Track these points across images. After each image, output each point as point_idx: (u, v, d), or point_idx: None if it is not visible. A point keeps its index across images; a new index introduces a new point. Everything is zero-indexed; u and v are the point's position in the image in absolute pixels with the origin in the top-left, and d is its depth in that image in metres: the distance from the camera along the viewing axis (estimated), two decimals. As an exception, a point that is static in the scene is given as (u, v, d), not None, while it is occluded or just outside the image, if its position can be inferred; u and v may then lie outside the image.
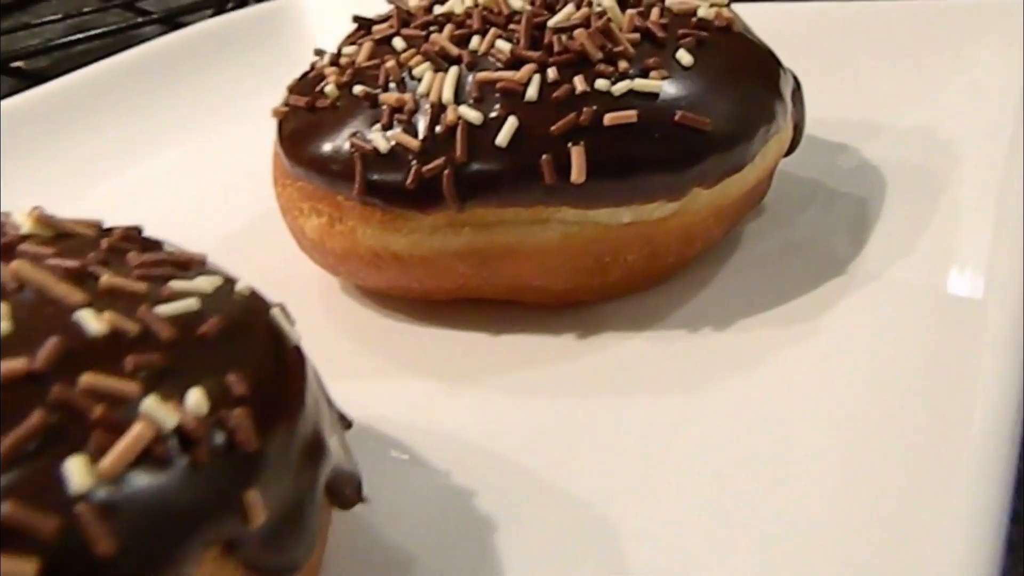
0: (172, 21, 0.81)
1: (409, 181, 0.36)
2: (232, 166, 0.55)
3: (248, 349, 0.25)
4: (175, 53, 0.71)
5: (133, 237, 0.28)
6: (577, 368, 0.37)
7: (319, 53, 0.44)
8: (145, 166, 0.58)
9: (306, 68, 0.43)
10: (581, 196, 0.36)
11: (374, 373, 0.38)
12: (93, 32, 0.79)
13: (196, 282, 0.26)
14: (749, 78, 0.38)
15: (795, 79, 0.42)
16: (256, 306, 0.27)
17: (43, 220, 0.28)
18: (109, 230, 0.29)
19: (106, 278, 0.25)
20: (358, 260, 0.39)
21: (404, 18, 0.42)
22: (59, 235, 0.28)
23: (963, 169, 0.44)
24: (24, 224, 0.28)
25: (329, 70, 0.41)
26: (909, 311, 0.37)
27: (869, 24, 0.53)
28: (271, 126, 0.42)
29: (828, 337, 0.36)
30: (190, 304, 0.25)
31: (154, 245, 0.29)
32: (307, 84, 0.42)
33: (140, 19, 0.81)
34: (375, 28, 0.42)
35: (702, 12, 0.39)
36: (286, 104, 0.41)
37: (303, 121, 0.40)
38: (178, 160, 0.59)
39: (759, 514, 0.29)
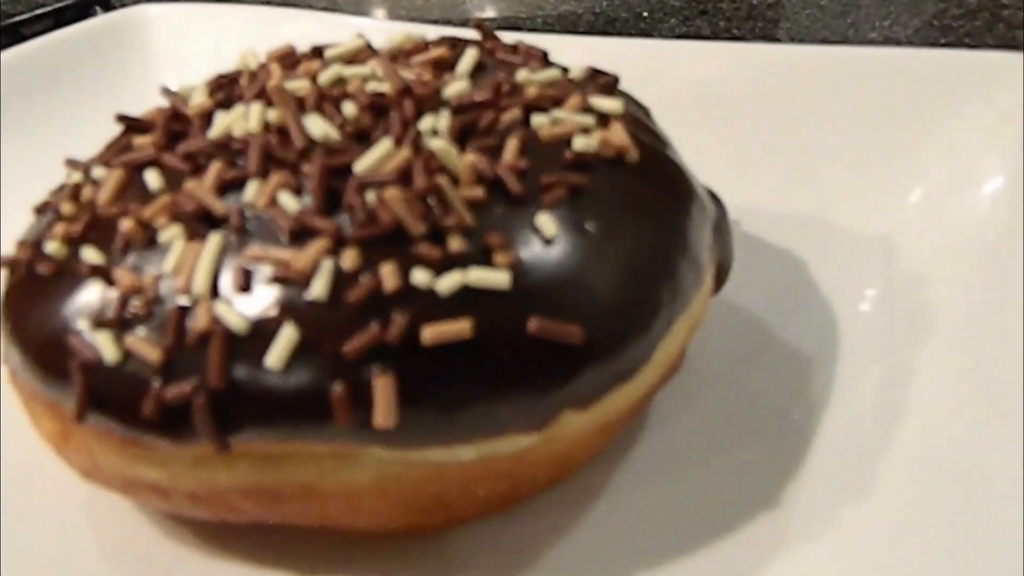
0: (16, 32, 0.68)
1: (146, 409, 0.25)
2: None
3: None
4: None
5: None
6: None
7: (72, 165, 0.32)
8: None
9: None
10: (396, 438, 0.24)
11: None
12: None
13: None
14: (644, 243, 0.27)
15: (718, 205, 0.31)
16: None
17: None
18: None
19: None
20: (107, 483, 0.28)
21: (174, 130, 0.30)
22: None
23: (941, 291, 0.33)
24: None
25: (65, 206, 0.29)
26: (890, 511, 0.26)
27: (820, 77, 0.41)
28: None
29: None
30: None
31: None
32: (45, 222, 0.30)
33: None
34: (137, 142, 0.30)
35: (580, 143, 0.27)
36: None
37: (21, 289, 0.28)
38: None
39: None
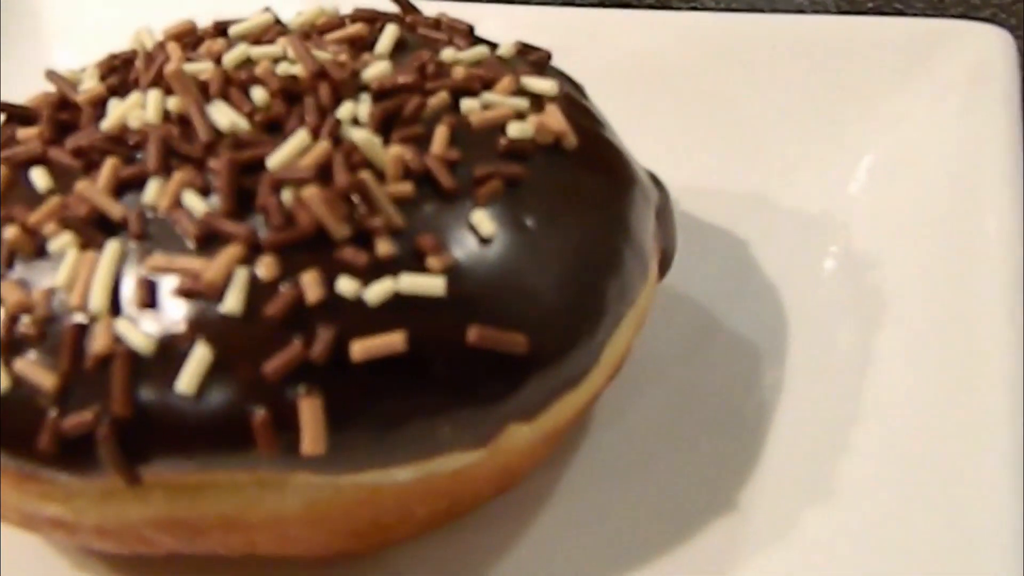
0: None
1: (43, 440, 0.22)
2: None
3: None
4: None
5: None
6: None
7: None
8: None
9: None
10: (326, 463, 0.22)
11: None
12: None
13: None
14: (588, 238, 0.25)
15: (659, 189, 0.29)
16: None
17: None
18: None
19: None
20: (7, 520, 0.26)
21: (62, 120, 0.27)
22: None
23: (895, 269, 0.31)
24: None
25: (-58, 210, 0.26)
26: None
27: (757, 47, 0.39)
28: None
29: None
30: None
31: None
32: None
33: None
34: (20, 133, 0.27)
35: (515, 129, 0.25)
36: None
37: None
38: None
39: None
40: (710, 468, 0.28)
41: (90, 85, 0.28)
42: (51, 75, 0.28)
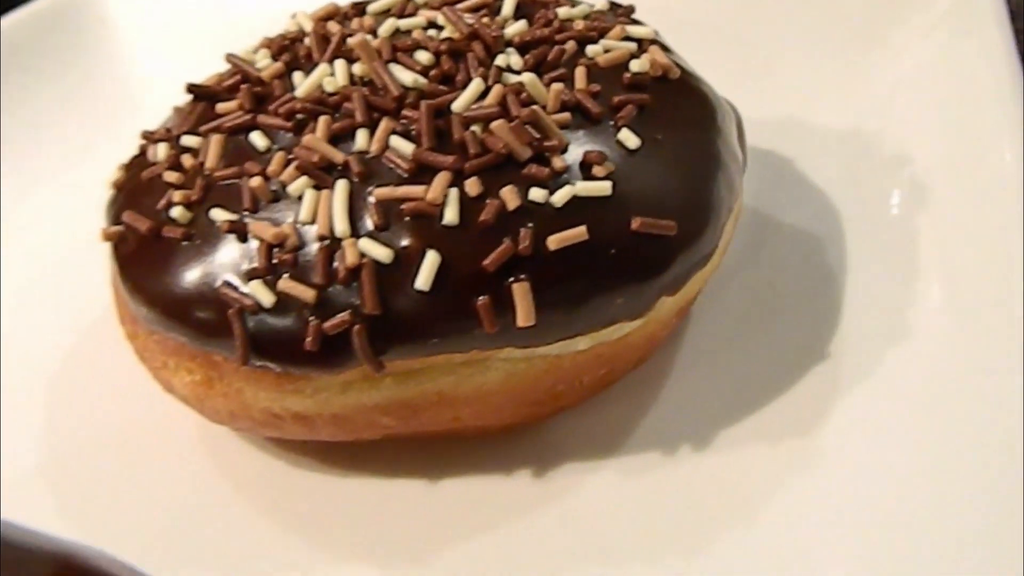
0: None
1: (309, 342, 0.28)
2: (46, 228, 0.45)
3: None
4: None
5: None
6: (541, 528, 0.31)
7: (147, 137, 0.34)
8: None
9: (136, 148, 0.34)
10: (528, 336, 0.28)
11: (282, 558, 0.31)
12: None
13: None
14: (704, 145, 0.31)
15: (734, 110, 0.36)
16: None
17: None
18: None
19: None
20: (249, 420, 0.31)
21: (256, 93, 0.32)
22: None
23: (922, 166, 0.38)
24: None
25: (170, 175, 0.31)
26: (918, 391, 0.31)
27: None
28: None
29: (825, 440, 0.31)
30: None
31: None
32: (141, 188, 0.32)
33: None
34: (220, 107, 0.33)
35: (636, 65, 0.31)
36: (118, 221, 0.32)
37: (148, 255, 0.31)
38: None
39: None
40: (797, 329, 0.34)
41: (266, 63, 0.33)
42: (230, 57, 0.34)
